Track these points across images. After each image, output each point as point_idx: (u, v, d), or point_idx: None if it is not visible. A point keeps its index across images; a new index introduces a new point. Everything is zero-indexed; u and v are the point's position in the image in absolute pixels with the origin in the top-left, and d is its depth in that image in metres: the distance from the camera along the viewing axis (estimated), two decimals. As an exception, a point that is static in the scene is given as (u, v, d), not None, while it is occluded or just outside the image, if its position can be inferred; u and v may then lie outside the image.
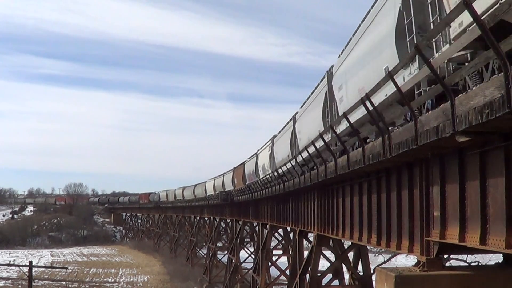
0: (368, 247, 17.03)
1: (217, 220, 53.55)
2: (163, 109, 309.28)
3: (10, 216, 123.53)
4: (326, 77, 18.94)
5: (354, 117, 12.25)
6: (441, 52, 8.56)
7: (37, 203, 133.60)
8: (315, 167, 16.94)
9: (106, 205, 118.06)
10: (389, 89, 10.35)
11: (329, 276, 20.58)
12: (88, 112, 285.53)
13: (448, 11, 7.99)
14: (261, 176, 32.83)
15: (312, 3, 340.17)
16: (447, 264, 10.65)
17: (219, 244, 55.33)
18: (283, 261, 35.82)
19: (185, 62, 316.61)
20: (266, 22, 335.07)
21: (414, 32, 9.89)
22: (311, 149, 17.16)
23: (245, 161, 42.65)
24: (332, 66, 18.28)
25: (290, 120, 26.83)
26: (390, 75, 8.82)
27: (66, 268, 43.38)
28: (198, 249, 66.66)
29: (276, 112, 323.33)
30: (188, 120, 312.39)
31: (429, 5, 9.29)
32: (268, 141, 33.61)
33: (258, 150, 37.18)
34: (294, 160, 20.88)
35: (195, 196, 60.90)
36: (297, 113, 25.67)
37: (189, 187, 67.79)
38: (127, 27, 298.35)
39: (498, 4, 6.27)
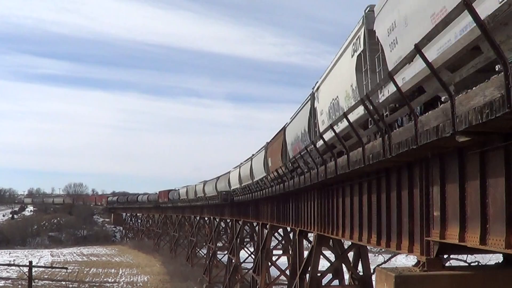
0: (368, 247, 17.04)
1: (217, 220, 53.57)
2: (162, 109, 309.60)
3: (10, 216, 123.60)
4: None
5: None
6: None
7: (76, 205, 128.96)
8: (314, 167, 16.98)
9: (124, 204, 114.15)
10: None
11: (329, 276, 20.59)
12: (87, 112, 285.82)
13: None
14: (322, 127, 17.21)
15: (311, 2, 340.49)
16: (447, 264, 10.64)
17: (219, 244, 55.34)
18: (283, 261, 35.83)
19: (183, 62, 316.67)
20: (265, 22, 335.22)
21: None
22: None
23: (286, 125, 26.34)
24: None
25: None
26: (390, 75, 8.83)
27: (66, 268, 43.38)
28: (198, 249, 66.67)
29: (275, 112, 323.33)
30: (187, 120, 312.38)
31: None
32: (347, 41, 14.51)
33: (316, 84, 19.17)
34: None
35: (218, 192, 50.27)
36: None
37: (211, 181, 56.81)
38: (125, 26, 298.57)
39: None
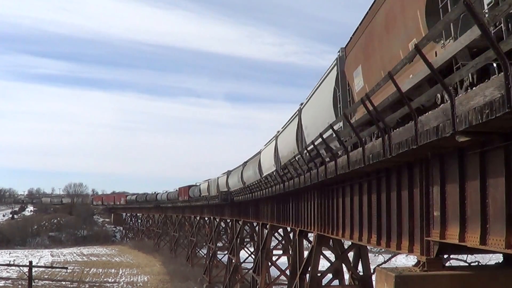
0: (368, 247, 17.04)
1: (217, 220, 53.55)
2: (160, 109, 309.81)
3: (10, 216, 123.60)
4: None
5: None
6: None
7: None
8: (314, 167, 17.00)
9: (143, 203, 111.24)
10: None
11: (329, 276, 20.59)
12: (87, 112, 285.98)
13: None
14: None
15: (310, 2, 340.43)
16: (447, 264, 10.65)
17: (219, 244, 55.34)
18: (283, 261, 35.81)
19: (182, 62, 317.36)
20: (263, 22, 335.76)
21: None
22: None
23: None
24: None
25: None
26: (390, 75, 8.83)
27: (66, 268, 43.38)
28: (198, 249, 66.69)
29: (274, 112, 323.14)
30: (186, 119, 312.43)
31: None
32: None
33: None
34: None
35: (244, 183, 40.02)
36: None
37: (236, 171, 45.99)
38: (124, 26, 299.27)
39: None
